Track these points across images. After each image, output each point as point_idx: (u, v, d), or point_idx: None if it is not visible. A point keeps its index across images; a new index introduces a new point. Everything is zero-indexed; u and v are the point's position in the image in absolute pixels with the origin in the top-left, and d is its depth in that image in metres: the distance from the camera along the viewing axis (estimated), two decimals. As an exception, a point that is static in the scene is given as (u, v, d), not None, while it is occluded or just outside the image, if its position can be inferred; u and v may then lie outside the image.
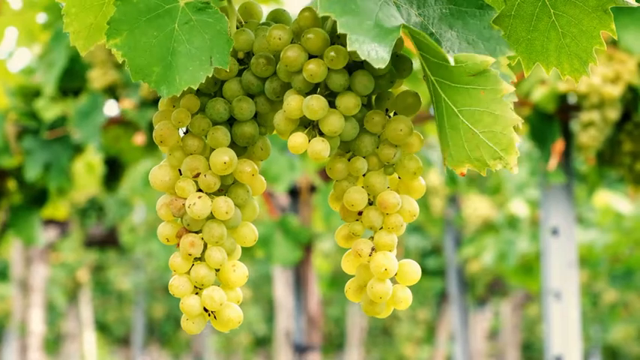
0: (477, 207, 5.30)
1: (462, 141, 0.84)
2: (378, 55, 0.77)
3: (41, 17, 2.84)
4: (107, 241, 7.14)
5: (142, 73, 0.84)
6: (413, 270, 0.88)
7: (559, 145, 2.63)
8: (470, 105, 0.82)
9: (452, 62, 0.78)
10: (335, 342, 12.47)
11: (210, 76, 0.84)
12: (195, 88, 0.85)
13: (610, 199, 4.44)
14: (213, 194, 0.89)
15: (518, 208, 4.86)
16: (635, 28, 2.33)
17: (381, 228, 0.88)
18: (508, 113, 0.81)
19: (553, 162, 2.58)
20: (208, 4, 0.85)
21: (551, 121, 2.62)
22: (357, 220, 0.89)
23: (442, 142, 0.86)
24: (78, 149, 3.05)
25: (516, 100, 0.82)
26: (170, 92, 0.84)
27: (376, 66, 0.77)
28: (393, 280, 0.88)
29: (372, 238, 0.88)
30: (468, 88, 0.82)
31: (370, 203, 0.88)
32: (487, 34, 0.85)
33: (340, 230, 0.90)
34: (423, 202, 5.43)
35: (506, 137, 0.82)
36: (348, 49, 0.76)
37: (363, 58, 0.76)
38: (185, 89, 0.84)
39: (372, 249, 0.87)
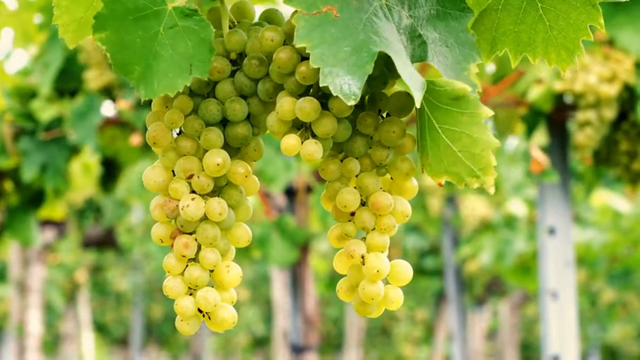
0: (474, 207, 5.30)
1: (441, 155, 0.85)
2: (350, 89, 0.78)
3: (37, 18, 2.84)
4: (105, 242, 7.13)
5: (124, 69, 0.84)
6: (404, 270, 0.88)
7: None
8: (450, 124, 0.84)
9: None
10: (333, 342, 12.46)
11: (188, 85, 0.83)
12: (172, 96, 0.85)
13: (608, 199, 4.44)
14: (206, 195, 0.89)
15: (516, 207, 4.87)
16: (632, 27, 2.33)
17: (374, 229, 0.88)
18: (487, 137, 0.83)
19: (535, 164, 2.56)
20: (196, 11, 0.85)
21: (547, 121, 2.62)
22: (349, 220, 0.89)
23: (422, 150, 0.87)
24: (74, 150, 3.05)
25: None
26: (147, 95, 0.83)
27: (347, 103, 0.78)
28: (385, 281, 0.88)
29: (364, 239, 0.88)
30: (449, 109, 0.83)
31: (363, 204, 0.88)
32: (463, 38, 0.86)
33: (333, 230, 0.90)
34: (421, 202, 5.43)
35: (484, 159, 0.83)
36: (321, 84, 0.77)
37: (335, 94, 0.77)
38: (162, 96, 0.84)
39: (363, 255, 0.87)
